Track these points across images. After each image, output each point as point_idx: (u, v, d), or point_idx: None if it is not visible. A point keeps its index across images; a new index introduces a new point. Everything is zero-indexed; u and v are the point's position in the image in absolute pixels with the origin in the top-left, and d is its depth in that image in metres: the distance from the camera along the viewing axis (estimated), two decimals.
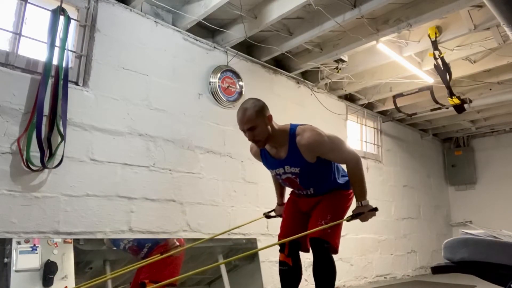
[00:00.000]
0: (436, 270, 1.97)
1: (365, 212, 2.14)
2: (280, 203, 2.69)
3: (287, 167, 2.23)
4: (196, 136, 3.53)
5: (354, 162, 2.19)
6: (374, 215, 2.19)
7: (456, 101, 4.39)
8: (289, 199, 2.54)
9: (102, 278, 2.28)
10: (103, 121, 2.95)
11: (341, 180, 2.35)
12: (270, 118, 2.17)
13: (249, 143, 2.44)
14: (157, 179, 3.21)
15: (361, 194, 2.19)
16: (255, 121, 2.11)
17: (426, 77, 4.56)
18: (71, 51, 2.85)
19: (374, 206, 2.18)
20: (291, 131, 2.19)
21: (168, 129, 3.34)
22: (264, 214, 2.77)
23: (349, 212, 2.33)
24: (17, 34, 2.67)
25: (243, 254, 2.81)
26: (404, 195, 6.09)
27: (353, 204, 2.39)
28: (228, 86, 3.82)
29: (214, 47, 3.79)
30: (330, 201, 2.28)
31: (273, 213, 2.73)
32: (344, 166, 2.33)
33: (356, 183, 2.20)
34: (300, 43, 3.88)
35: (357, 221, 2.20)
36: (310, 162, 2.18)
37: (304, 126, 2.23)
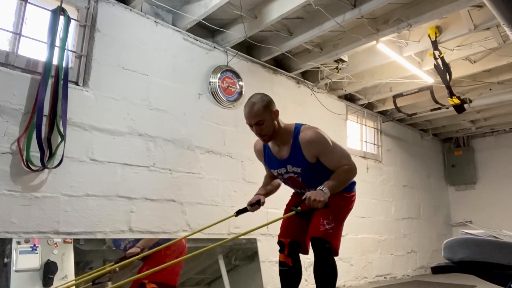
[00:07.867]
0: (436, 270, 1.96)
1: (316, 197, 2.00)
2: (261, 192, 2.40)
3: (290, 167, 2.23)
4: (196, 136, 3.52)
5: (350, 166, 2.16)
6: (321, 206, 2.01)
7: (456, 101, 4.39)
8: (290, 199, 2.53)
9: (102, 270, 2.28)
10: (103, 121, 2.95)
11: None
12: (276, 113, 2.19)
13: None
14: (157, 179, 3.21)
15: (333, 186, 2.08)
16: (263, 115, 2.11)
17: (426, 77, 4.55)
18: (71, 51, 2.85)
19: (326, 202, 2.02)
20: (296, 130, 2.20)
21: (168, 129, 3.34)
22: (236, 212, 2.39)
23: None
24: (17, 34, 2.67)
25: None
26: (404, 195, 6.09)
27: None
28: (228, 86, 3.82)
29: (214, 47, 3.79)
30: (332, 202, 2.27)
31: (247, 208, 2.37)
32: None
33: (337, 179, 2.11)
34: (300, 43, 3.88)
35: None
36: (311, 162, 2.17)
37: (309, 126, 2.24)
